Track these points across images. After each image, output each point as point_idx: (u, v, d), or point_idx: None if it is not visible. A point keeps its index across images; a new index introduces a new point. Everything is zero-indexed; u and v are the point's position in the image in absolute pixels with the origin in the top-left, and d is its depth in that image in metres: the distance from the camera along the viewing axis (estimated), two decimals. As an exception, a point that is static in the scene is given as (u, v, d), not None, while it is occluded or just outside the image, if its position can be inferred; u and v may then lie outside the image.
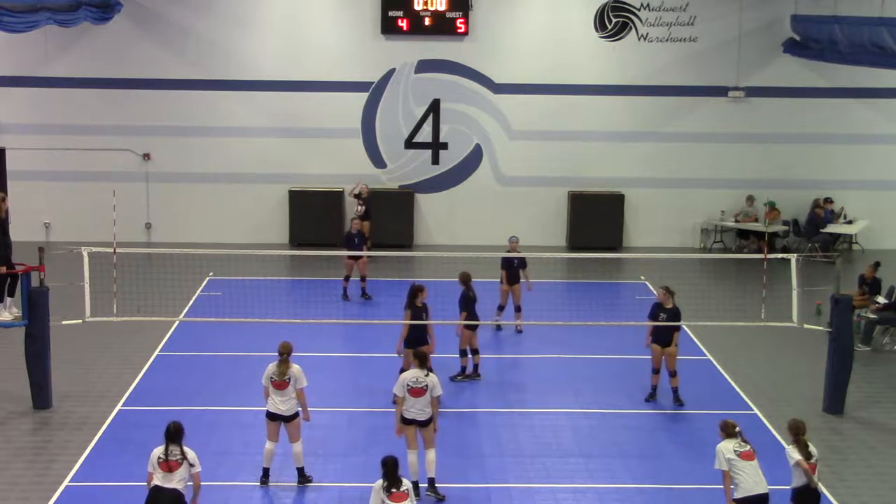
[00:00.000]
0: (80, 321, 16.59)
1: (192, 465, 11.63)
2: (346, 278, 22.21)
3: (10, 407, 16.37)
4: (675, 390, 16.86)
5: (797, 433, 12.07)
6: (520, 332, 20.29)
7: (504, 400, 17.11)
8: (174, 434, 11.73)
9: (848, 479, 14.35)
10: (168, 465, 11.55)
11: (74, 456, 14.57)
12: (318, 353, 18.92)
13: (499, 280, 20.23)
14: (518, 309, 20.13)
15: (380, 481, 11.28)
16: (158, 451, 11.70)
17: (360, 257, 21.77)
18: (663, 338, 16.78)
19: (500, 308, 20.21)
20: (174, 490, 11.51)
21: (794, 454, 11.95)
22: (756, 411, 16.69)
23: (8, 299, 16.25)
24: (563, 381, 17.99)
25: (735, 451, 11.86)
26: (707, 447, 15.05)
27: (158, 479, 11.57)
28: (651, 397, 16.95)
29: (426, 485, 13.55)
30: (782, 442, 15.46)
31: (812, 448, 12.02)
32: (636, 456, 14.91)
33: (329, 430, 15.66)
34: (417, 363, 13.65)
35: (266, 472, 13.76)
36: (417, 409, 13.45)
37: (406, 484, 11.28)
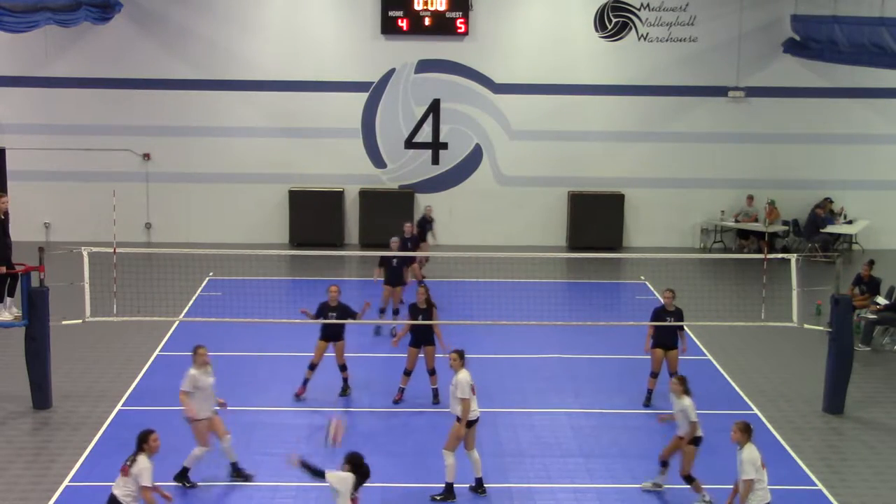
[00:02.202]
0: (80, 321, 16.58)
1: (138, 478, 11.20)
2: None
3: (10, 407, 16.36)
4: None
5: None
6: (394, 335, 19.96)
7: (504, 400, 17.10)
8: (137, 440, 11.48)
9: (848, 479, 14.34)
10: (123, 469, 11.35)
11: (74, 456, 14.57)
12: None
13: (373, 279, 20.18)
14: (396, 311, 19.93)
15: (350, 477, 11.01)
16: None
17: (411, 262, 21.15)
18: (668, 341, 16.65)
19: (381, 311, 19.96)
20: (113, 496, 11.27)
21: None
22: (756, 411, 16.68)
23: (8, 299, 16.23)
24: (563, 381, 17.98)
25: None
26: (707, 447, 15.07)
27: (115, 483, 11.40)
28: (647, 402, 16.86)
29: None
30: (782, 442, 15.49)
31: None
32: (636, 456, 14.90)
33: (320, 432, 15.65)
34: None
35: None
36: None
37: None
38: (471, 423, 13.49)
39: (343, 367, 16.82)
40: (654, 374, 16.76)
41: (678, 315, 16.75)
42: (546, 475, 14.28)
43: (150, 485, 11.25)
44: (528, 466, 14.49)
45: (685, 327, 17.06)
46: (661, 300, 16.85)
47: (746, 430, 11.81)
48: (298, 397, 16.68)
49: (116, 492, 11.29)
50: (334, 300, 16.56)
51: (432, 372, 16.67)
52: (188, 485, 13.60)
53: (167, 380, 17.64)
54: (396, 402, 16.65)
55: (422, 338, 16.54)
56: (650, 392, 16.88)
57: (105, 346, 19.16)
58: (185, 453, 14.66)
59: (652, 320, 16.85)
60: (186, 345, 19.03)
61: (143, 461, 11.31)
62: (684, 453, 13.28)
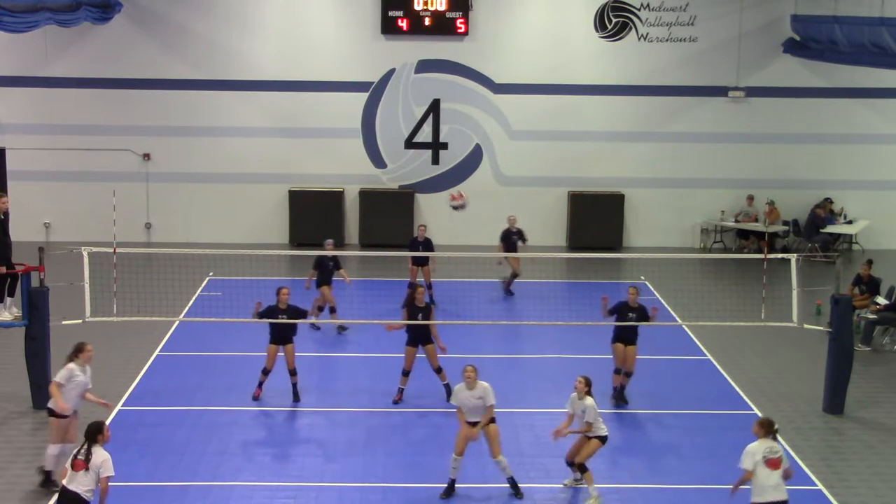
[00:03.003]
0: (80, 321, 16.58)
1: (99, 469, 11.21)
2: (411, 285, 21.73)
3: (10, 407, 16.36)
4: (622, 387, 16.80)
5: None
6: (344, 329, 20.16)
7: (504, 400, 17.07)
8: (88, 433, 11.44)
9: (848, 479, 14.34)
10: (76, 464, 11.27)
11: (74, 456, 14.56)
12: (318, 353, 18.94)
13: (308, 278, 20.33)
14: (333, 310, 20.03)
15: None
16: (77, 449, 11.46)
17: (425, 264, 21.44)
18: (630, 336, 16.65)
19: (320, 309, 20.05)
20: (75, 493, 11.16)
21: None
22: (756, 411, 16.67)
23: (8, 299, 16.23)
24: (563, 381, 17.92)
25: (764, 456, 11.84)
26: (707, 447, 15.09)
27: (66, 479, 11.31)
28: (620, 400, 16.76)
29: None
30: (782, 442, 15.47)
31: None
32: (636, 456, 14.90)
33: (329, 430, 15.67)
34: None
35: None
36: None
37: None
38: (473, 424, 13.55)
39: (293, 373, 16.68)
40: (618, 371, 16.76)
41: (641, 312, 16.69)
42: (546, 475, 14.28)
43: (114, 474, 11.29)
44: (528, 466, 14.48)
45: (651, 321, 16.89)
46: (628, 297, 16.74)
47: (762, 425, 12.09)
48: (256, 398, 16.66)
49: (78, 488, 11.13)
50: (284, 303, 16.54)
51: (439, 370, 16.67)
52: (55, 488, 13.08)
53: (167, 380, 17.70)
54: (396, 403, 16.66)
55: (420, 337, 16.53)
56: (616, 389, 16.81)
57: (105, 346, 19.13)
58: (187, 452, 14.70)
59: (617, 315, 16.74)
60: (186, 345, 19.17)
61: (102, 452, 11.32)
62: (587, 446, 13.45)
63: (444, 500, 13.44)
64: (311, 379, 17.47)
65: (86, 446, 11.34)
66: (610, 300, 16.71)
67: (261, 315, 16.49)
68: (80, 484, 11.18)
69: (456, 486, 13.54)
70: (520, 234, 22.51)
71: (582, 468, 13.41)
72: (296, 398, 16.71)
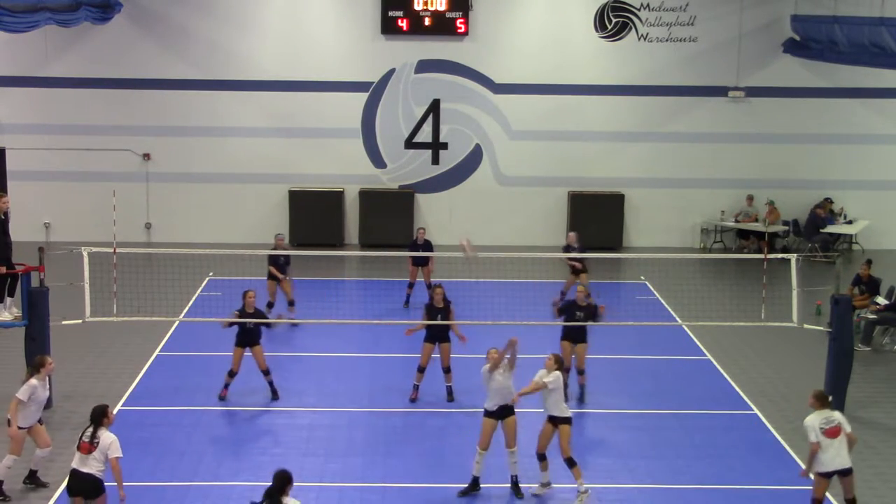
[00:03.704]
0: (80, 321, 16.58)
1: (108, 451, 11.58)
2: (410, 285, 21.98)
3: (10, 407, 16.35)
4: (582, 387, 16.83)
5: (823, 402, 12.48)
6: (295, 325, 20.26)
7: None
8: (94, 416, 11.77)
9: (848, 479, 14.34)
10: (83, 447, 11.65)
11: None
12: (318, 353, 18.95)
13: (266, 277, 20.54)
14: (291, 303, 20.37)
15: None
16: (82, 432, 11.82)
17: (425, 265, 21.59)
18: (577, 335, 16.66)
19: (269, 305, 20.28)
20: (88, 475, 11.58)
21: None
22: (756, 411, 16.68)
23: (8, 299, 16.22)
24: (563, 381, 17.95)
25: (821, 427, 12.26)
26: (707, 447, 15.08)
27: (75, 461, 11.71)
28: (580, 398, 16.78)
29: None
30: (782, 442, 15.49)
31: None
32: (636, 456, 14.90)
33: (329, 430, 15.66)
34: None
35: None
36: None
37: None
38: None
39: (266, 372, 16.70)
40: (567, 369, 16.50)
41: (590, 311, 16.71)
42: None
43: (122, 455, 11.67)
44: (529, 466, 14.48)
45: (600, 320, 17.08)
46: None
47: (817, 398, 12.49)
48: (222, 398, 16.69)
49: (90, 469, 11.55)
50: (251, 306, 16.53)
51: (447, 370, 16.72)
52: (3, 498, 13.34)
53: (167, 380, 17.69)
54: (413, 401, 16.63)
55: (438, 334, 16.57)
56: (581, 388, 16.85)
57: (105, 346, 19.17)
58: (187, 452, 14.70)
59: (565, 314, 16.77)
60: (186, 345, 19.18)
61: (108, 435, 11.64)
62: (562, 434, 13.43)
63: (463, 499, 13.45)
64: (310, 379, 17.46)
65: (91, 429, 11.66)
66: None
67: (231, 324, 16.56)
68: (91, 466, 11.57)
69: (454, 485, 13.53)
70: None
71: (570, 462, 13.39)
72: (274, 396, 16.76)
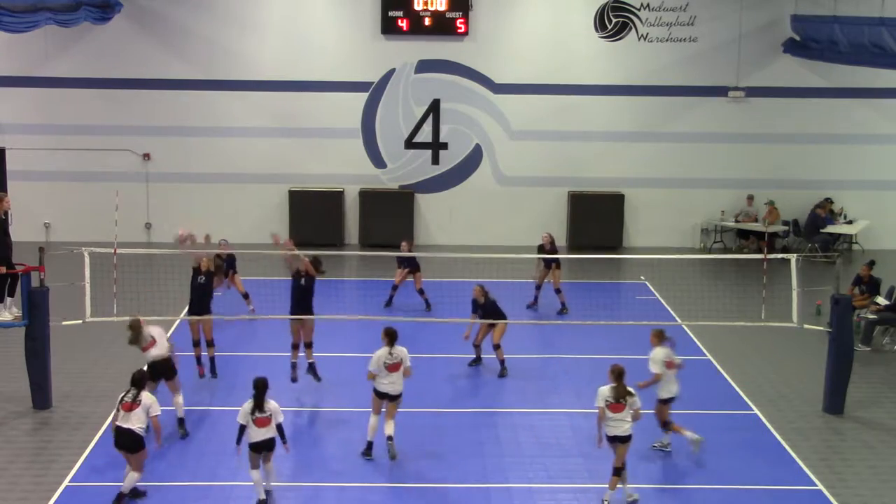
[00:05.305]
0: (80, 321, 16.59)
1: (149, 409, 13.01)
2: (395, 287, 22.08)
3: (10, 407, 16.37)
4: (501, 363, 18.12)
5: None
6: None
7: (504, 400, 17.11)
8: (135, 381, 13.23)
9: (848, 479, 14.34)
10: (125, 406, 13.01)
11: (74, 456, 14.58)
12: (318, 353, 18.90)
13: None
14: (247, 296, 21.12)
15: (249, 402, 13.04)
16: (123, 394, 13.26)
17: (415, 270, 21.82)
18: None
19: (246, 296, 21.12)
20: (129, 430, 12.92)
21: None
22: (756, 411, 16.69)
23: (8, 299, 16.24)
24: (563, 381, 17.98)
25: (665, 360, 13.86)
26: (707, 447, 15.07)
27: (119, 419, 13.12)
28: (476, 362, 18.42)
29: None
30: (782, 442, 15.49)
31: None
32: (636, 456, 14.88)
33: (329, 430, 15.66)
34: (388, 341, 14.64)
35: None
36: (388, 381, 14.60)
37: (270, 409, 13.03)
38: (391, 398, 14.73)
39: (210, 343, 17.30)
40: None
41: (488, 307, 17.87)
42: (546, 475, 14.29)
43: (161, 413, 13.18)
44: (528, 466, 14.50)
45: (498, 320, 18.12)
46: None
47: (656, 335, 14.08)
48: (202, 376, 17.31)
49: (132, 426, 12.94)
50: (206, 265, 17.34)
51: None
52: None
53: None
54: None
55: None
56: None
57: (105, 346, 19.16)
58: (187, 452, 14.70)
59: (472, 312, 18.25)
60: (187, 345, 19.10)
61: (149, 396, 13.18)
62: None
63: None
64: (310, 379, 17.45)
65: (133, 391, 13.11)
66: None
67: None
68: (133, 422, 12.93)
69: (453, 485, 13.54)
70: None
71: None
72: (213, 374, 17.38)
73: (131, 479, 13.06)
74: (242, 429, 13.13)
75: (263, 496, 13.15)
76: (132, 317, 15.41)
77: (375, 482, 13.95)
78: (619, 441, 13.35)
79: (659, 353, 14.67)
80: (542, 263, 21.76)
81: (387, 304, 21.95)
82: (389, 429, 14.62)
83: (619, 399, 13.29)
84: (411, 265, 21.67)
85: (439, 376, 17.00)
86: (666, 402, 14.84)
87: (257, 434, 13.08)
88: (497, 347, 18.07)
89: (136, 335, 15.03)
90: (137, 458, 13.10)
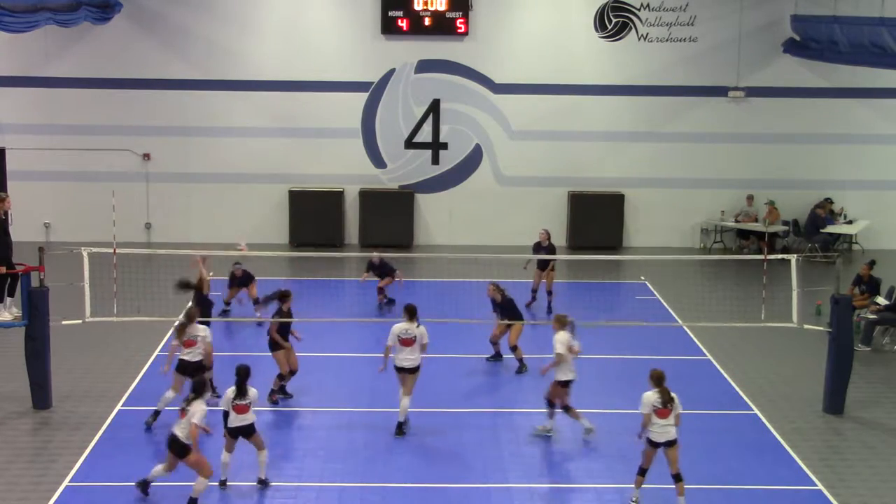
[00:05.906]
0: (80, 321, 16.59)
1: (192, 417, 13.01)
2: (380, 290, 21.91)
3: (10, 407, 16.36)
4: (520, 361, 18.23)
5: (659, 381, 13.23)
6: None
7: (504, 400, 17.11)
8: (195, 388, 13.35)
9: (848, 479, 14.34)
10: (181, 413, 13.15)
11: (74, 456, 14.57)
12: (318, 354, 18.92)
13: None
14: (258, 302, 20.70)
15: (232, 389, 13.35)
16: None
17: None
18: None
19: (256, 302, 20.93)
20: (175, 436, 13.08)
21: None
22: (756, 411, 16.69)
23: (8, 299, 16.24)
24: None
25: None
26: (707, 447, 15.08)
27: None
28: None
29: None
30: (782, 442, 15.49)
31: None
32: (636, 456, 14.86)
33: (329, 430, 15.66)
34: (407, 317, 15.26)
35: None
36: (403, 356, 15.27)
37: (250, 397, 13.36)
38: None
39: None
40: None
41: (506, 306, 18.18)
42: (546, 475, 14.28)
43: (199, 424, 12.99)
44: (528, 466, 14.49)
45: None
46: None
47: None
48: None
49: (177, 432, 13.07)
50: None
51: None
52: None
53: (167, 380, 17.65)
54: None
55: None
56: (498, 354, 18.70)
57: (105, 346, 19.16)
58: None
59: (493, 311, 18.61)
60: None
61: (199, 404, 13.07)
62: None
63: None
64: (310, 379, 17.46)
65: (191, 396, 13.22)
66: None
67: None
68: (180, 429, 13.05)
69: (454, 485, 13.54)
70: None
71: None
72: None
73: (198, 484, 13.08)
74: (226, 415, 13.46)
75: (225, 477, 13.63)
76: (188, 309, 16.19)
77: (375, 482, 13.94)
78: (667, 446, 13.20)
79: (561, 335, 15.13)
80: (536, 265, 21.71)
81: (379, 307, 21.86)
82: (405, 402, 15.28)
83: (666, 404, 13.07)
84: (384, 272, 21.62)
85: (436, 376, 16.99)
86: (564, 385, 15.25)
87: (236, 420, 13.43)
88: (514, 348, 18.11)
89: (182, 327, 15.50)
90: (189, 464, 13.12)
